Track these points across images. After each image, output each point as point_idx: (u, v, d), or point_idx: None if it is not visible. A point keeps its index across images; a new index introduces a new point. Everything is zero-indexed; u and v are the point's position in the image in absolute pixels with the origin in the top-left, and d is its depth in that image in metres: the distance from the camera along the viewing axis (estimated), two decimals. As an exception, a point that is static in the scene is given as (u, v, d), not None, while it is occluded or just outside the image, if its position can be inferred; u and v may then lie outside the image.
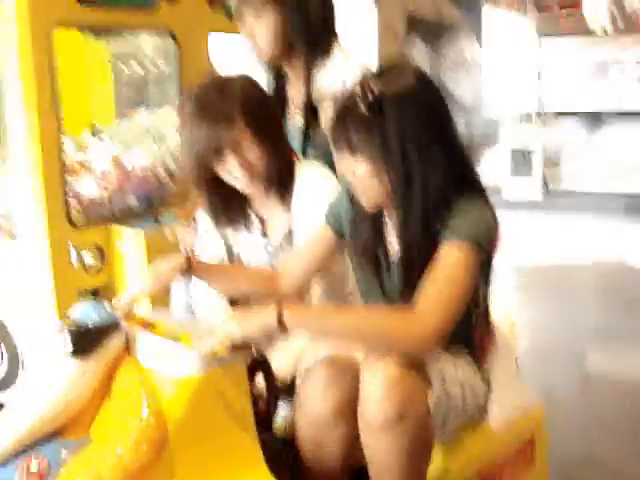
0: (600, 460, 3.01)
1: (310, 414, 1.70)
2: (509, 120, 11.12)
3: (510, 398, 2.01)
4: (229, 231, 2.19)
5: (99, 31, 3.86)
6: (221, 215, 2.13)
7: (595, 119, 9.99)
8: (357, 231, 1.83)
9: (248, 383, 1.62)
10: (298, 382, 1.82)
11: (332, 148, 1.75)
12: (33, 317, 3.28)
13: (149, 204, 3.66)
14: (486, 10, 13.61)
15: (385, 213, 1.78)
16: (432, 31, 11.98)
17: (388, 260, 1.80)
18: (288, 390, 1.85)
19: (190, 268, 1.88)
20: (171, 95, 4.01)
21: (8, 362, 3.45)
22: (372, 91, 1.62)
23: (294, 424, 1.77)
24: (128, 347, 1.63)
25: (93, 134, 4.09)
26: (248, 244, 2.18)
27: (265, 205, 2.12)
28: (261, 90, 2.12)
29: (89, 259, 3.29)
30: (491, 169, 10.98)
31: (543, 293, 5.54)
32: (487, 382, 1.92)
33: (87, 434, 1.53)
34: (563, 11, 11.22)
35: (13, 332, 3.39)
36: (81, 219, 3.33)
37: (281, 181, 2.06)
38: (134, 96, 4.51)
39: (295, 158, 2.17)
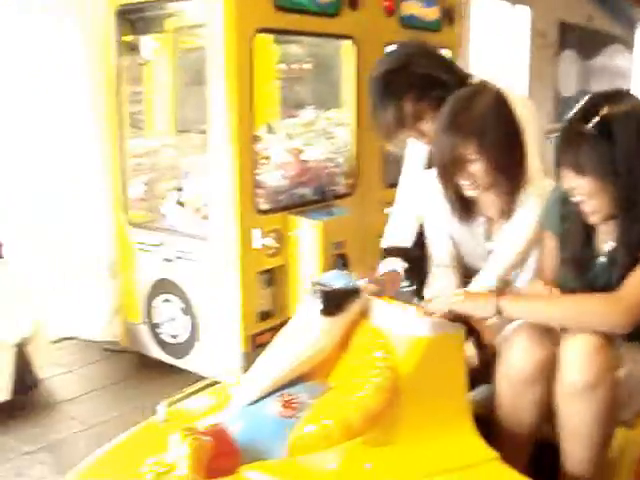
0: None
1: (512, 371, 1.89)
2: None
3: None
4: (455, 228, 2.36)
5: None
6: (457, 212, 2.28)
7: None
8: (568, 235, 2.02)
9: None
10: (501, 343, 1.98)
11: (555, 166, 1.90)
12: (216, 293, 3.66)
13: (323, 195, 3.95)
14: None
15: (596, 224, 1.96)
16: (584, 39, 11.86)
17: (594, 262, 1.98)
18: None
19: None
20: (345, 98, 4.29)
21: (188, 333, 3.85)
22: (598, 112, 1.79)
23: (495, 383, 1.96)
24: (365, 311, 1.90)
25: (268, 130, 4.46)
26: (469, 244, 2.36)
27: (499, 213, 2.26)
28: (505, 108, 2.14)
29: (270, 242, 3.62)
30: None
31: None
32: None
33: (326, 381, 1.80)
34: None
35: (198, 307, 3.78)
36: (265, 206, 3.67)
37: (515, 194, 2.19)
38: (304, 97, 4.86)
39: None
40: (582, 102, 1.86)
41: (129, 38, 3.99)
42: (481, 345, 1.96)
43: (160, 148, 4.19)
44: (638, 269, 1.80)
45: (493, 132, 2.06)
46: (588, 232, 1.98)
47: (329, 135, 4.43)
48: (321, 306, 1.80)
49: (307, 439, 1.66)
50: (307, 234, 3.67)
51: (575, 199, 1.89)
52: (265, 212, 3.65)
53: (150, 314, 4.01)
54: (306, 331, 1.82)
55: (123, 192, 4.05)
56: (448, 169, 2.12)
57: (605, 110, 1.79)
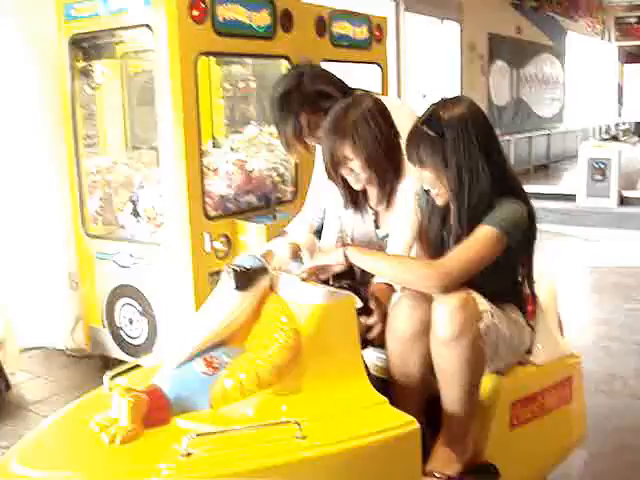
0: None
1: (397, 331, 2.27)
2: (588, 132, 11.46)
3: (552, 344, 2.59)
4: (349, 215, 2.76)
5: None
6: (348, 202, 2.70)
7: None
8: (432, 220, 2.45)
9: (357, 315, 2.23)
10: (389, 310, 2.36)
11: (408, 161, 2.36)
12: (173, 295, 3.99)
13: (267, 202, 4.31)
14: (570, 35, 13.97)
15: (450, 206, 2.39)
16: (513, 50, 12.43)
17: (449, 239, 2.38)
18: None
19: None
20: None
21: (147, 333, 4.17)
22: (437, 117, 2.24)
23: (386, 342, 2.34)
24: (272, 286, 2.26)
25: (214, 145, 4.82)
26: (361, 229, 2.75)
27: (379, 202, 2.67)
28: (379, 114, 2.51)
29: (219, 246, 3.98)
30: (570, 178, 11.40)
31: (612, 293, 6.02)
32: (532, 328, 2.51)
33: (242, 345, 2.14)
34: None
35: (156, 308, 4.10)
36: (214, 213, 4.03)
37: (389, 186, 2.61)
38: (247, 113, 5.22)
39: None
40: (429, 108, 2.30)
41: (82, 64, 4.31)
42: (369, 310, 2.34)
43: (114, 164, 4.51)
44: (464, 242, 2.21)
45: (365, 134, 2.46)
46: (444, 214, 2.40)
47: (271, 148, 4.80)
48: (234, 284, 2.16)
49: (226, 392, 2.00)
50: (253, 237, 4.03)
51: (424, 187, 2.34)
52: (214, 218, 4.00)
53: (111, 318, 4.32)
54: (223, 304, 2.18)
55: (81, 207, 4.36)
56: (332, 166, 2.53)
57: (440, 114, 2.24)
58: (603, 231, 8.73)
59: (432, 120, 2.25)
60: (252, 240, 4.04)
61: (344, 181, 2.59)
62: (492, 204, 2.25)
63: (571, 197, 9.70)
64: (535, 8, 13.95)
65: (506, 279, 2.36)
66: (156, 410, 1.96)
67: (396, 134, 2.54)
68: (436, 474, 2.22)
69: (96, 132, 4.66)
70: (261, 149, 4.78)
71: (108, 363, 4.39)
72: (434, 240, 2.44)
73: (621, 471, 3.14)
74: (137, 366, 2.36)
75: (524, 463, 2.51)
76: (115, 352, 4.35)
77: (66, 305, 4.61)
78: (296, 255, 2.61)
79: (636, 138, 12.26)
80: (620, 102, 17.96)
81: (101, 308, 4.35)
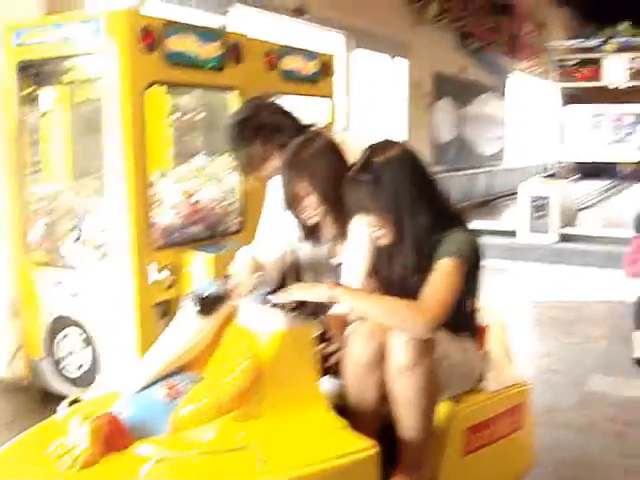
0: (591, 460, 3.59)
1: (353, 360, 2.31)
2: (528, 170, 11.77)
3: (503, 372, 2.65)
4: (306, 249, 2.79)
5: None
6: (305, 235, 2.74)
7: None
8: (380, 257, 2.50)
9: (317, 342, 2.28)
10: (346, 337, 2.38)
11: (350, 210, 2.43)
12: (116, 326, 3.93)
13: (214, 233, 4.30)
14: (512, 74, 14.35)
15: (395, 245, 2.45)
16: (458, 88, 12.71)
17: (395, 278, 2.45)
18: None
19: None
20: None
21: (89, 365, 4.09)
22: (371, 163, 2.31)
23: (342, 369, 2.36)
24: (232, 313, 2.29)
25: (161, 175, 4.79)
26: (312, 254, 2.79)
27: (332, 234, 2.72)
28: (333, 151, 2.61)
29: (165, 276, 3.94)
30: (511, 215, 11.64)
31: (552, 327, 6.14)
32: (484, 357, 2.58)
33: (202, 371, 2.17)
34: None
35: (98, 339, 4.03)
36: (159, 243, 3.99)
37: (343, 220, 2.64)
38: (195, 144, 5.21)
39: None
40: (362, 155, 2.37)
41: (29, 90, 4.26)
42: (327, 338, 2.39)
43: (59, 192, 4.44)
44: (431, 281, 2.26)
45: (321, 171, 2.54)
46: (390, 252, 2.45)
47: (219, 179, 4.79)
48: (196, 308, 2.20)
49: (186, 417, 2.03)
50: (200, 267, 4.01)
51: (369, 230, 2.40)
52: (160, 249, 3.97)
53: (52, 350, 4.23)
54: (185, 330, 2.21)
55: (23, 235, 4.28)
56: (290, 200, 2.59)
57: (374, 159, 2.32)
58: (543, 266, 8.91)
59: (366, 166, 2.33)
60: (198, 270, 4.02)
61: (301, 216, 2.64)
62: (437, 239, 2.31)
63: (512, 233, 9.89)
64: (479, 48, 14.31)
65: (458, 308, 2.39)
66: (114, 438, 1.95)
67: (349, 170, 2.58)
68: None
69: (41, 159, 4.59)
70: (209, 180, 4.76)
71: (49, 396, 4.30)
72: (383, 279, 2.50)
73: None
74: (76, 401, 2.32)
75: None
76: (56, 384, 4.25)
77: (4, 335, 4.49)
78: (257, 270, 2.62)
79: (576, 176, 12.60)
80: (561, 141, 18.46)
81: (42, 339, 4.26)
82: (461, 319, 2.48)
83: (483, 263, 2.42)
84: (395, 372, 2.22)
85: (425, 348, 2.20)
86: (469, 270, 2.31)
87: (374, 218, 2.35)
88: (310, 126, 2.98)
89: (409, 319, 2.19)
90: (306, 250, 2.79)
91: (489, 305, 2.65)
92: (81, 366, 4.12)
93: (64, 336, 4.15)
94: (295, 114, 3.06)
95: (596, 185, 16.66)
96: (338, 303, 2.30)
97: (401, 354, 2.19)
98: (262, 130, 2.88)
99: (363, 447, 2.06)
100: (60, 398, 4.03)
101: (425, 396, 2.23)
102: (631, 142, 18.86)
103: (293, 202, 2.59)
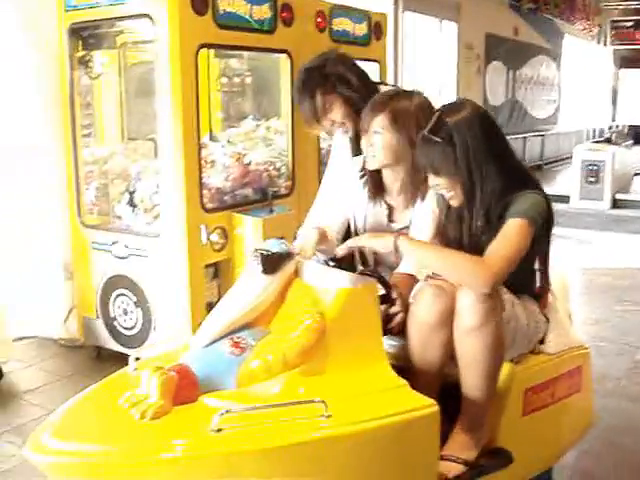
0: (635, 428, 3.57)
1: (419, 320, 2.31)
2: (582, 134, 11.56)
3: (564, 335, 2.65)
4: (362, 204, 2.77)
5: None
6: (369, 189, 2.72)
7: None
8: (449, 219, 2.48)
9: (379, 301, 2.27)
10: (411, 299, 2.40)
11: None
12: (168, 286, 3.99)
13: (264, 196, 4.32)
14: (567, 38, 14.02)
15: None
16: (510, 51, 12.45)
17: (466, 239, 2.43)
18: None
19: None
20: (282, 107, 4.69)
21: (142, 324, 4.17)
22: (443, 124, 2.27)
23: (406, 329, 2.37)
24: (297, 271, 2.31)
25: (211, 138, 4.82)
26: (373, 219, 2.77)
27: (396, 199, 2.71)
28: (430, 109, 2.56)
29: (216, 239, 3.98)
30: (563, 180, 11.46)
31: (603, 294, 6.06)
32: (547, 319, 2.56)
33: (268, 327, 2.19)
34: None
35: (151, 299, 4.10)
36: (210, 205, 4.02)
37: (412, 188, 2.65)
38: (244, 108, 5.23)
39: None
40: (434, 115, 2.34)
41: (81, 53, 4.30)
42: (391, 299, 2.37)
43: (111, 155, 4.50)
44: (498, 239, 2.23)
45: (406, 121, 2.51)
46: (460, 213, 2.44)
47: (268, 142, 4.80)
48: (261, 267, 2.20)
49: (252, 372, 2.04)
50: (250, 230, 4.04)
51: (439, 192, 2.39)
52: (211, 211, 4.00)
53: (105, 309, 4.31)
54: (250, 287, 2.22)
55: (77, 196, 4.35)
56: (362, 130, 2.59)
57: (446, 120, 2.28)
58: (596, 233, 8.78)
59: (438, 127, 2.29)
60: (248, 233, 4.04)
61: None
62: (508, 200, 2.29)
63: (565, 198, 9.74)
64: (532, 10, 13.99)
65: (525, 270, 2.39)
66: (185, 388, 1.99)
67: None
68: (454, 458, 2.28)
69: (93, 122, 4.65)
70: (258, 143, 4.78)
71: (102, 354, 4.41)
72: (452, 239, 2.47)
73: (609, 469, 3.17)
74: (137, 359, 2.35)
75: (536, 449, 2.57)
76: (109, 343, 4.35)
77: (60, 295, 4.59)
78: (324, 240, 2.63)
79: (630, 141, 12.31)
80: (614, 105, 18.05)
81: (95, 298, 4.35)
82: (527, 281, 2.48)
83: (553, 226, 2.39)
84: (463, 332, 2.22)
85: (492, 309, 2.19)
86: (538, 232, 2.28)
87: (445, 180, 2.33)
88: (379, 83, 2.97)
89: (473, 273, 2.18)
90: (361, 207, 2.77)
91: (552, 267, 2.61)
92: (134, 325, 4.20)
93: (117, 295, 4.23)
94: (366, 73, 3.05)
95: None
96: (404, 253, 2.29)
97: (469, 314, 2.18)
98: (325, 80, 2.89)
99: (423, 405, 2.07)
100: (114, 357, 4.22)
101: (491, 356, 2.22)
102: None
103: (364, 132, 2.58)
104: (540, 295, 2.57)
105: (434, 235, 2.55)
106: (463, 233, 2.44)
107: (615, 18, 18.98)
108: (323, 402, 1.93)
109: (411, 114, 2.52)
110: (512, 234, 2.22)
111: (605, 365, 4.28)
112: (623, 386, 4.04)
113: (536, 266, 2.52)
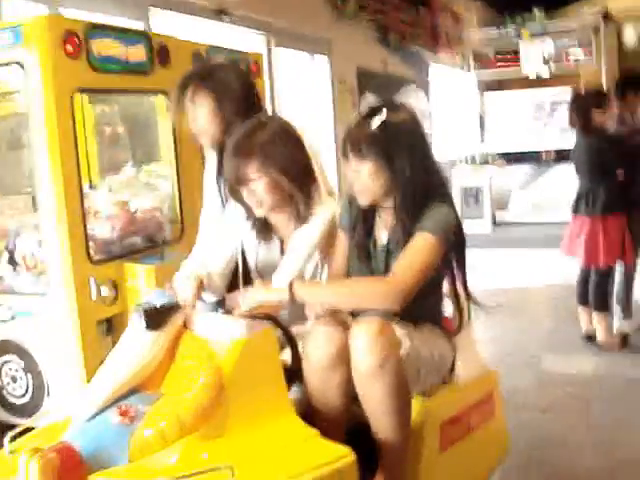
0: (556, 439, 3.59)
1: (313, 362, 2.18)
2: (457, 162, 11.96)
3: (472, 363, 2.61)
4: (252, 241, 2.66)
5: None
6: (254, 229, 2.62)
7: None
8: (355, 229, 2.40)
9: (279, 349, 2.13)
10: (303, 342, 2.26)
11: (342, 156, 2.32)
12: (59, 347, 3.74)
13: (153, 243, 4.14)
14: (433, 67, 14.48)
15: (377, 212, 2.36)
16: (382, 84, 12.72)
17: (375, 250, 2.37)
18: None
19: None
20: (161, 150, 4.55)
21: (33, 391, 3.90)
22: (381, 109, 2.24)
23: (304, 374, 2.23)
24: (186, 323, 2.14)
25: (90, 187, 4.61)
26: (265, 256, 2.66)
27: (286, 229, 2.59)
28: (290, 136, 2.51)
29: (106, 292, 3.77)
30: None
31: (497, 312, 6.15)
32: (454, 349, 2.49)
33: (159, 390, 2.01)
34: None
35: (41, 363, 3.83)
36: (98, 257, 3.82)
37: (299, 212, 2.53)
38: (122, 153, 5.03)
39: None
40: (367, 106, 2.31)
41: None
42: (293, 341, 2.25)
43: (-15, 213, 4.23)
44: (405, 254, 2.18)
45: (274, 155, 2.41)
46: (370, 225, 2.37)
47: (152, 187, 4.63)
48: (144, 323, 2.02)
49: (146, 442, 1.85)
50: (142, 280, 3.85)
51: (356, 187, 2.29)
52: (99, 262, 3.79)
53: (-8, 378, 4.00)
54: (134, 346, 2.03)
55: (-48, 260, 4.04)
56: (234, 187, 2.46)
57: (384, 111, 2.24)
58: (480, 252, 8.98)
59: (375, 117, 2.24)
60: (141, 283, 3.86)
61: (249, 208, 2.52)
62: (423, 210, 2.24)
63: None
64: (399, 42, 14.36)
65: (427, 296, 2.30)
66: (69, 471, 1.77)
67: (308, 158, 2.49)
68: None
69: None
70: (141, 189, 4.61)
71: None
72: (360, 251, 2.38)
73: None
74: (30, 429, 2.13)
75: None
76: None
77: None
78: (202, 290, 2.48)
79: (504, 163, 12.79)
80: (482, 129, 18.72)
81: (-21, 367, 4.03)
82: (430, 308, 2.41)
83: (465, 239, 2.35)
84: (362, 375, 2.10)
85: (390, 345, 2.09)
86: (448, 250, 2.24)
87: (370, 168, 2.24)
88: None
89: (379, 293, 2.11)
90: (252, 244, 2.66)
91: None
92: (25, 393, 3.92)
93: (4, 363, 3.94)
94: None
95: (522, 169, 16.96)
96: (302, 300, 2.18)
97: (365, 355, 2.07)
98: (207, 78, 2.89)
99: (338, 455, 1.94)
100: (4, 427, 3.92)
101: (396, 395, 2.12)
102: (553, 126, 19.22)
103: (236, 188, 2.47)
104: (443, 322, 2.50)
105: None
106: (371, 246, 2.37)
107: (476, 47, 19.77)
108: (230, 467, 1.76)
109: (276, 145, 2.43)
110: (421, 249, 2.17)
111: (513, 379, 4.33)
112: (533, 398, 4.09)
113: (445, 289, 2.48)
